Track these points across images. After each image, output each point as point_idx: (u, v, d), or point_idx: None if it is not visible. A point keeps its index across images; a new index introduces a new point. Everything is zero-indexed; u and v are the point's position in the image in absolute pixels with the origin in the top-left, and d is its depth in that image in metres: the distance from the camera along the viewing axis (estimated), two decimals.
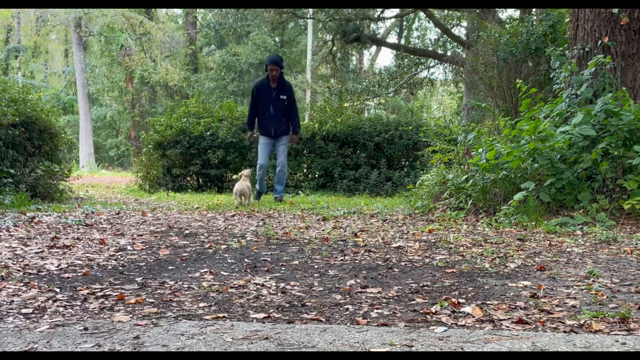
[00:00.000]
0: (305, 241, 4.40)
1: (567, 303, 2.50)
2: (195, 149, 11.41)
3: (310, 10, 17.81)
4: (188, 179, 11.97)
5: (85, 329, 2.08)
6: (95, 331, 2.05)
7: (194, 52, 29.87)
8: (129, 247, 3.97)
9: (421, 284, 2.88)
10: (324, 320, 2.24)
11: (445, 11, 19.14)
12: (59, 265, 3.27)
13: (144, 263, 3.43)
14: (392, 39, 27.61)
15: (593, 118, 5.51)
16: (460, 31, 22.14)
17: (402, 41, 26.65)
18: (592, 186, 5.38)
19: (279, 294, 2.69)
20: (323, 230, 5.09)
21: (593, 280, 2.95)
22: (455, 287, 2.84)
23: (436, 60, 19.04)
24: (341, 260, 3.59)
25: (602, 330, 2.10)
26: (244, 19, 24.91)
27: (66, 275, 3.02)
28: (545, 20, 9.32)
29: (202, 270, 3.21)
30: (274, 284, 2.89)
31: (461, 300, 2.52)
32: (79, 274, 3.05)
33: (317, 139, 11.27)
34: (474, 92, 13.32)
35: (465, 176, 6.27)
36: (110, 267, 3.28)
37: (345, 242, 4.33)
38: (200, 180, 11.88)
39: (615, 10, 5.89)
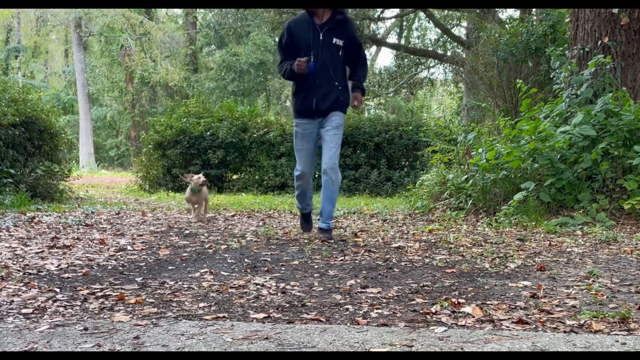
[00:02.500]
0: (305, 241, 4.40)
1: (567, 303, 2.50)
2: (195, 149, 11.41)
3: None
4: None
5: (85, 329, 2.08)
6: (95, 331, 2.05)
7: (194, 52, 29.86)
8: (129, 247, 3.97)
9: (421, 284, 2.88)
10: (324, 320, 2.24)
11: (445, 11, 19.14)
12: (59, 265, 3.27)
13: (144, 263, 3.43)
14: (392, 39, 27.60)
15: (593, 118, 5.51)
16: (460, 31, 22.14)
17: (402, 41, 26.64)
18: (592, 186, 5.38)
19: (279, 294, 2.68)
20: None
21: (593, 280, 2.95)
22: (455, 287, 2.84)
23: (436, 60, 19.05)
24: (341, 260, 3.59)
25: (602, 330, 2.10)
26: (244, 19, 24.91)
27: (66, 275, 3.02)
28: (545, 20, 9.33)
29: (202, 270, 3.21)
30: (274, 284, 2.89)
31: (461, 300, 2.52)
32: (79, 274, 3.05)
33: None
34: (474, 92, 13.32)
35: (465, 176, 6.27)
36: (110, 267, 3.28)
37: (345, 242, 4.33)
38: None
39: (615, 10, 5.89)
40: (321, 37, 4.47)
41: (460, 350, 1.86)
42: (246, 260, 3.57)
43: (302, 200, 4.82)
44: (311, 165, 4.66)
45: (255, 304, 2.49)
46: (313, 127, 4.58)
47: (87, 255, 3.63)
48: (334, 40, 4.50)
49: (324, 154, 4.49)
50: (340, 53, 4.53)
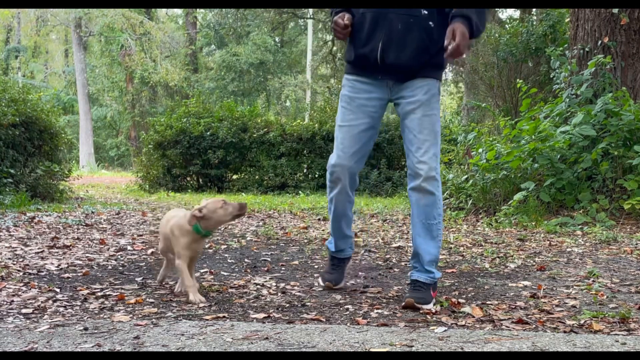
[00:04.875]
0: (305, 241, 4.40)
1: (567, 303, 2.50)
2: (195, 149, 11.41)
3: (310, 10, 17.81)
4: (188, 179, 11.98)
5: (85, 329, 2.08)
6: (95, 331, 2.05)
7: (194, 52, 29.86)
8: (129, 247, 3.97)
9: None
10: (324, 320, 2.24)
11: None
12: (59, 265, 3.27)
13: (144, 263, 3.43)
14: None
15: (593, 118, 5.51)
16: None
17: None
18: (592, 186, 5.38)
19: (279, 294, 2.68)
20: (323, 230, 5.09)
21: (593, 280, 2.95)
22: (455, 287, 2.84)
23: None
24: None
25: (602, 330, 2.10)
26: (244, 19, 24.92)
27: (66, 275, 3.02)
28: (545, 20, 9.33)
29: (202, 270, 3.21)
30: (274, 284, 2.89)
31: (461, 300, 2.52)
32: (79, 274, 3.05)
33: (317, 139, 11.26)
34: (474, 92, 13.32)
35: (465, 176, 6.27)
36: (110, 267, 3.28)
37: None
38: (201, 180, 11.88)
39: (615, 10, 5.89)
40: None
41: (460, 350, 1.86)
42: (246, 260, 3.57)
43: (335, 227, 2.75)
44: (353, 155, 2.57)
45: (255, 304, 2.49)
46: (375, 92, 2.57)
47: (87, 255, 3.63)
48: None
49: (410, 152, 2.50)
50: None
